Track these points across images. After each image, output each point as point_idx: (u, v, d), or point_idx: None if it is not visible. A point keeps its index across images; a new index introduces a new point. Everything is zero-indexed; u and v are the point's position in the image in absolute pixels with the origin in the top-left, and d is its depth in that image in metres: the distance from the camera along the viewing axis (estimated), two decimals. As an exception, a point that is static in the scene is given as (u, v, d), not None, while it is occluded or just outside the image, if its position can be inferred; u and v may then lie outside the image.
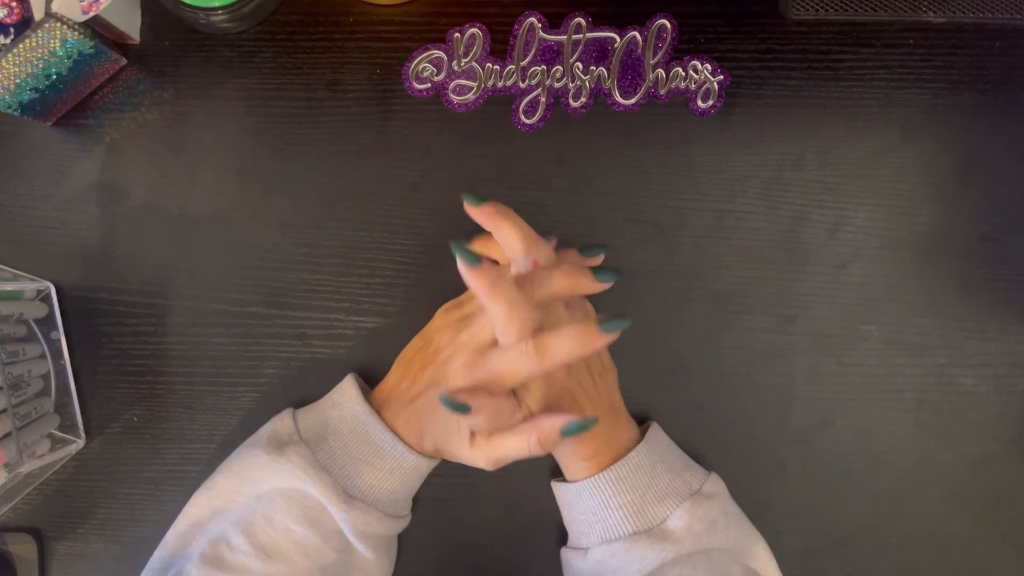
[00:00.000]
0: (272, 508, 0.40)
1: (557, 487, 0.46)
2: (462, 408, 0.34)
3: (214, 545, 0.40)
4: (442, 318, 0.45)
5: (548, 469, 0.48)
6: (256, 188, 0.49)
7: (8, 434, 0.43)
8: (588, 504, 0.42)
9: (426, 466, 0.44)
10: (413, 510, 0.47)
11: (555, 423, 0.35)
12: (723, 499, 0.44)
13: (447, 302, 0.46)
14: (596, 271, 0.37)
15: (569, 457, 0.44)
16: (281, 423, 0.44)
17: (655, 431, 0.45)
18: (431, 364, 0.43)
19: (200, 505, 0.42)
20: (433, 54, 0.48)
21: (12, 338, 0.46)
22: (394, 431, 0.42)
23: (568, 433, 0.35)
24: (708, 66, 0.48)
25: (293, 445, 0.42)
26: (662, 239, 0.49)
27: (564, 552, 0.45)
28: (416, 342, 0.46)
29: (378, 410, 0.43)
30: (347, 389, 0.44)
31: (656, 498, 0.42)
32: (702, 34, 0.48)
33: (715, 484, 0.44)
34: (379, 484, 0.42)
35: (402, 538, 0.48)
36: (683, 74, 0.48)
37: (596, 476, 0.42)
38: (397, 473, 0.42)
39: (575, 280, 0.37)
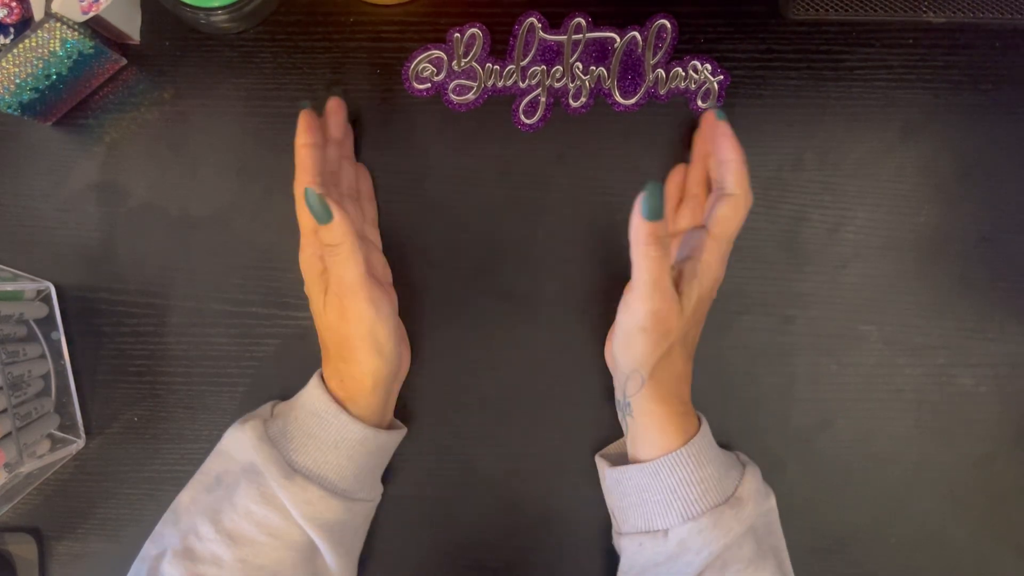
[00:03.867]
0: (235, 492, 0.40)
1: (623, 471, 0.43)
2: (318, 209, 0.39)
3: (184, 538, 0.40)
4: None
5: (551, 468, 0.48)
6: (256, 188, 0.49)
7: (8, 434, 0.43)
8: (667, 482, 0.41)
9: (374, 439, 0.43)
10: (414, 509, 0.47)
11: (634, 213, 0.37)
12: (755, 464, 0.45)
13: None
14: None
15: (660, 399, 0.42)
16: (261, 408, 0.45)
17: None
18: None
19: (186, 493, 0.42)
20: (433, 54, 0.48)
21: (12, 338, 0.46)
22: (335, 397, 0.42)
23: (651, 210, 0.36)
24: (708, 66, 0.48)
25: (252, 420, 0.42)
26: (662, 239, 0.49)
27: (630, 539, 0.43)
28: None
29: (329, 387, 0.43)
30: (316, 375, 0.45)
31: (725, 469, 0.42)
32: (702, 34, 0.48)
33: (745, 456, 0.46)
34: (323, 458, 0.41)
35: (403, 537, 0.48)
36: (683, 74, 0.48)
37: (680, 451, 0.41)
38: (343, 446, 0.42)
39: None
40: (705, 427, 0.43)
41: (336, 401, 0.42)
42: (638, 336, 0.40)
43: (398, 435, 0.46)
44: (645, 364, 0.41)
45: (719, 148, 0.42)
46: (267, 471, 0.40)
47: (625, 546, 0.44)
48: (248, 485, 0.40)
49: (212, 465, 0.43)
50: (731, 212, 0.41)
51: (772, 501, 0.44)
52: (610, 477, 0.45)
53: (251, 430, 0.41)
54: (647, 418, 0.42)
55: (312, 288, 0.42)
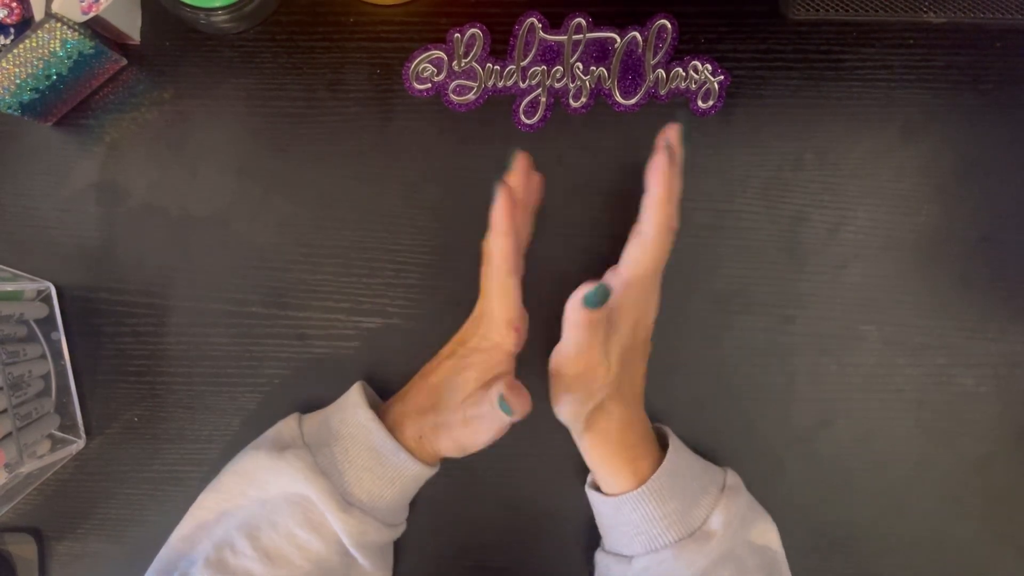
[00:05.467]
0: (277, 513, 0.40)
1: (594, 497, 0.44)
2: (508, 411, 0.37)
3: (218, 550, 0.40)
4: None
5: (550, 469, 0.48)
6: (256, 188, 0.49)
7: (8, 434, 0.43)
8: (630, 518, 0.41)
9: (426, 475, 0.43)
10: (414, 510, 0.47)
11: (576, 296, 0.37)
12: (744, 490, 0.44)
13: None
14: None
15: (601, 445, 0.42)
16: (286, 426, 0.44)
17: (672, 435, 0.45)
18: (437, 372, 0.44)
19: (206, 507, 0.42)
20: (433, 54, 0.48)
21: (12, 338, 0.46)
22: (398, 440, 0.42)
23: (590, 302, 0.36)
24: (708, 66, 0.48)
25: (294, 448, 0.42)
26: (662, 239, 0.49)
27: (602, 556, 0.45)
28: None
29: (391, 422, 0.43)
30: (353, 396, 0.44)
31: (693, 501, 0.42)
32: (702, 34, 0.48)
33: (734, 476, 0.45)
34: (379, 492, 0.41)
35: (404, 539, 0.48)
36: (683, 74, 0.48)
37: (637, 492, 0.41)
38: (398, 482, 0.42)
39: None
40: (670, 459, 0.42)
41: (395, 439, 0.42)
42: (564, 397, 0.41)
43: (438, 467, 0.45)
44: (576, 420, 0.42)
45: (649, 180, 0.41)
46: (322, 503, 0.40)
47: (598, 562, 0.45)
48: (292, 508, 0.40)
49: (238, 485, 0.42)
50: (640, 253, 0.41)
51: (761, 534, 0.43)
52: (588, 497, 0.46)
53: (299, 460, 0.41)
54: (595, 463, 0.44)
55: (463, 384, 0.42)
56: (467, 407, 0.41)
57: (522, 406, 0.37)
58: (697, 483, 0.43)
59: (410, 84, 0.48)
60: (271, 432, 0.44)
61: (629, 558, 0.42)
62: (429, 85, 0.48)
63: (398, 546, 0.48)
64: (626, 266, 0.41)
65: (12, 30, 0.44)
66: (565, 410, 0.42)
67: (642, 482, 0.41)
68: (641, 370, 0.45)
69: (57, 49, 0.43)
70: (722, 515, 0.41)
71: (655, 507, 0.41)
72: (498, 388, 0.37)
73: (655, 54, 0.48)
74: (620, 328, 0.41)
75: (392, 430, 0.42)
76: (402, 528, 0.45)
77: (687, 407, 0.48)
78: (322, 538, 0.40)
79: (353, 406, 0.43)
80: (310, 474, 0.40)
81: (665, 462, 0.42)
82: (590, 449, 0.43)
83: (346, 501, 0.40)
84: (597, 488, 0.45)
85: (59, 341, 0.48)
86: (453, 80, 0.48)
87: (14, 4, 0.43)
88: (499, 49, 0.48)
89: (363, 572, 0.42)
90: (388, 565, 0.45)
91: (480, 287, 0.43)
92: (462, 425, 0.41)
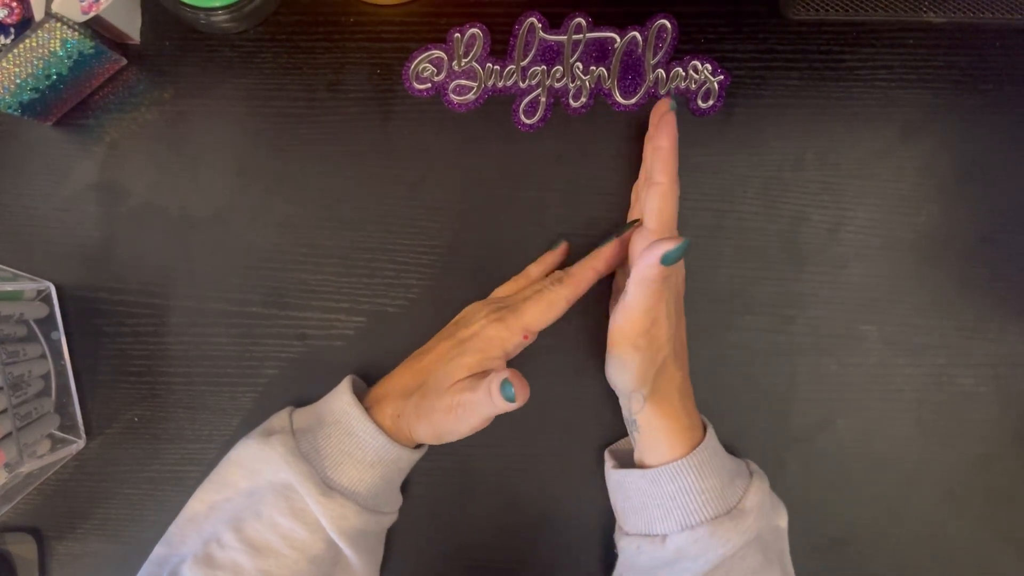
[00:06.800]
0: (262, 503, 0.40)
1: (625, 474, 0.44)
2: (511, 396, 0.37)
3: (206, 545, 0.40)
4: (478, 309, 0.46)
5: (551, 468, 0.48)
6: (256, 188, 0.49)
7: (8, 434, 0.43)
8: (667, 489, 0.41)
9: (407, 458, 0.43)
10: (414, 510, 0.47)
11: (653, 254, 0.37)
12: (765, 476, 0.45)
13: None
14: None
15: (665, 410, 0.42)
16: (277, 417, 0.44)
17: (706, 420, 0.46)
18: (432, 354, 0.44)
19: (200, 499, 0.42)
20: (433, 54, 0.48)
21: (12, 338, 0.46)
22: (379, 424, 0.42)
23: (671, 259, 0.37)
24: (708, 66, 0.48)
25: (279, 434, 0.42)
26: (662, 239, 0.49)
27: (629, 540, 0.44)
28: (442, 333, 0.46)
29: (371, 400, 0.44)
30: (341, 386, 0.45)
31: (730, 479, 0.42)
32: (702, 34, 0.48)
33: (755, 464, 0.45)
34: (359, 476, 0.42)
35: (403, 539, 0.48)
36: (683, 74, 0.48)
37: (679, 463, 0.41)
38: (378, 466, 0.42)
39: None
40: (711, 438, 0.43)
41: (373, 421, 0.42)
42: (632, 356, 0.41)
43: (422, 451, 0.46)
44: (644, 382, 0.41)
45: (656, 135, 0.43)
46: (302, 487, 0.40)
47: (624, 546, 0.44)
48: (276, 497, 0.40)
49: (229, 475, 0.43)
50: (662, 202, 0.42)
51: (782, 518, 0.44)
52: (613, 478, 0.45)
53: (281, 446, 0.41)
54: (653, 433, 0.43)
55: (455, 371, 0.42)
56: (456, 392, 0.40)
57: (524, 394, 0.37)
58: (731, 463, 0.43)
59: (410, 84, 0.48)
60: (264, 423, 0.44)
61: (663, 536, 0.41)
62: (429, 85, 0.48)
63: (398, 546, 0.48)
64: (652, 218, 0.42)
65: (12, 30, 0.44)
66: (633, 372, 0.41)
67: (689, 453, 0.41)
68: (684, 327, 0.46)
69: (57, 49, 0.43)
70: (757, 495, 0.42)
71: (695, 480, 0.41)
72: (503, 373, 0.37)
73: (655, 54, 0.48)
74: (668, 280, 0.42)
75: (371, 408, 0.43)
76: (390, 518, 0.45)
77: (687, 407, 0.48)
78: (305, 525, 0.40)
79: (339, 394, 0.44)
80: (291, 458, 0.40)
81: (707, 439, 0.42)
82: (653, 417, 0.42)
83: (327, 485, 0.41)
84: (619, 467, 0.45)
85: (59, 341, 0.48)
86: (453, 80, 0.48)
87: (14, 4, 0.43)
88: (499, 49, 0.48)
89: (347, 562, 0.42)
90: (375, 560, 0.45)
91: (517, 294, 0.45)
92: (445, 411, 0.41)
